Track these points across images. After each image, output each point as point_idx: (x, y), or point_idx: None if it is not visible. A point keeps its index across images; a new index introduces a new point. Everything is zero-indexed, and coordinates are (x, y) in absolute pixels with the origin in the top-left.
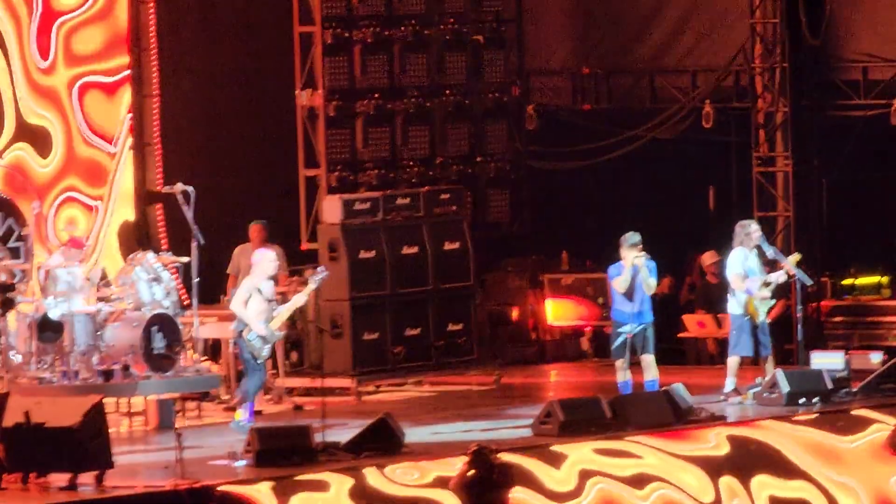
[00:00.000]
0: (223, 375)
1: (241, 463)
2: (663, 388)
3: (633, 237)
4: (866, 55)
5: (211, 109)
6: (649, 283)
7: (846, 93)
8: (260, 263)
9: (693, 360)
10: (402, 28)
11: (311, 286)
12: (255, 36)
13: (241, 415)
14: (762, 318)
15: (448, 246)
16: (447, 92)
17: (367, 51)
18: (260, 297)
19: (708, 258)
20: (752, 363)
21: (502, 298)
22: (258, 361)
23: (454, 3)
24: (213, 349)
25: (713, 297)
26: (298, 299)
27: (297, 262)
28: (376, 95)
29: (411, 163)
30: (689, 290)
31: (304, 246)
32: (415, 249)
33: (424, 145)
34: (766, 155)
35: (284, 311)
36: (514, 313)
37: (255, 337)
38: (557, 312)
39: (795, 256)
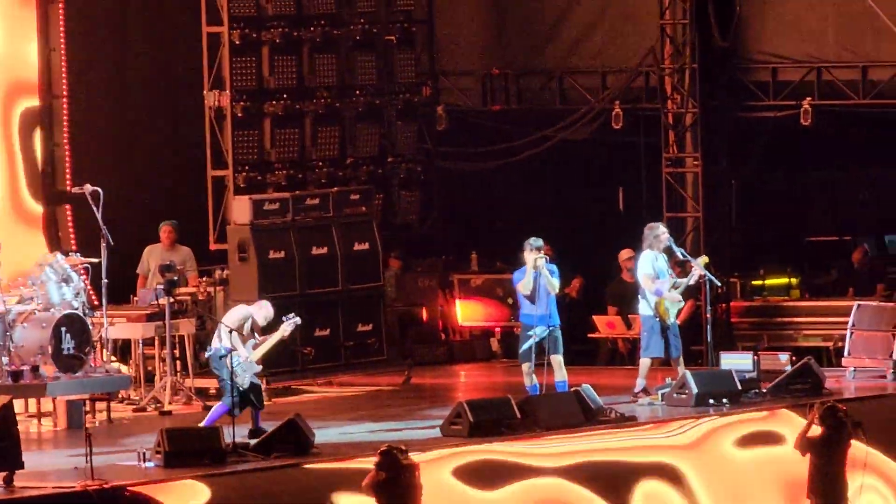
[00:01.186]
0: (133, 376)
1: (151, 464)
2: (573, 389)
3: (535, 241)
4: (775, 56)
5: (120, 109)
6: (552, 283)
7: (755, 94)
8: (262, 309)
9: (604, 360)
10: (312, 28)
11: (286, 329)
12: (164, 36)
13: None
14: (672, 319)
15: (358, 247)
16: (357, 92)
17: (275, 51)
18: (248, 327)
19: (624, 254)
20: (663, 364)
21: (412, 299)
22: (239, 388)
23: (365, 3)
24: (122, 350)
25: (626, 294)
26: (273, 338)
27: (205, 263)
28: (285, 96)
29: (321, 163)
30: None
31: (213, 246)
32: (324, 250)
33: (334, 146)
34: (675, 156)
35: (266, 346)
36: (424, 314)
37: (238, 363)
38: (467, 313)
39: (704, 258)
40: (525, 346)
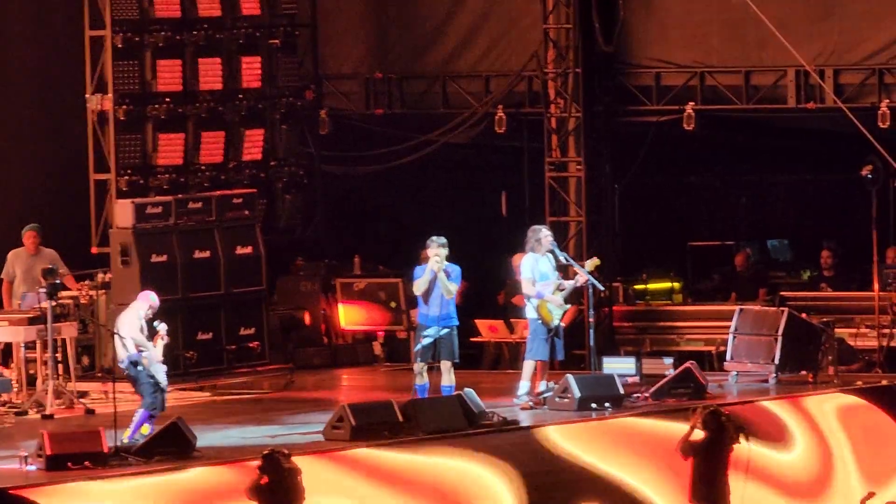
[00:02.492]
0: (14, 380)
1: (33, 467)
2: (455, 393)
3: (439, 239)
4: (659, 61)
5: (1, 112)
6: (448, 288)
7: (639, 98)
8: (145, 300)
9: (488, 364)
10: (195, 32)
11: (163, 331)
12: (46, 39)
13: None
14: (556, 322)
15: (240, 250)
16: (240, 96)
17: (158, 55)
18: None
19: (518, 258)
20: (552, 367)
21: (294, 303)
22: (161, 385)
23: (249, 7)
24: (4, 353)
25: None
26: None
27: (87, 267)
28: (168, 100)
29: (203, 167)
30: (506, 294)
31: (95, 250)
32: (207, 254)
33: (217, 150)
34: (558, 160)
35: (160, 347)
36: (307, 318)
37: (152, 363)
38: (350, 317)
39: (595, 260)
40: (421, 345)
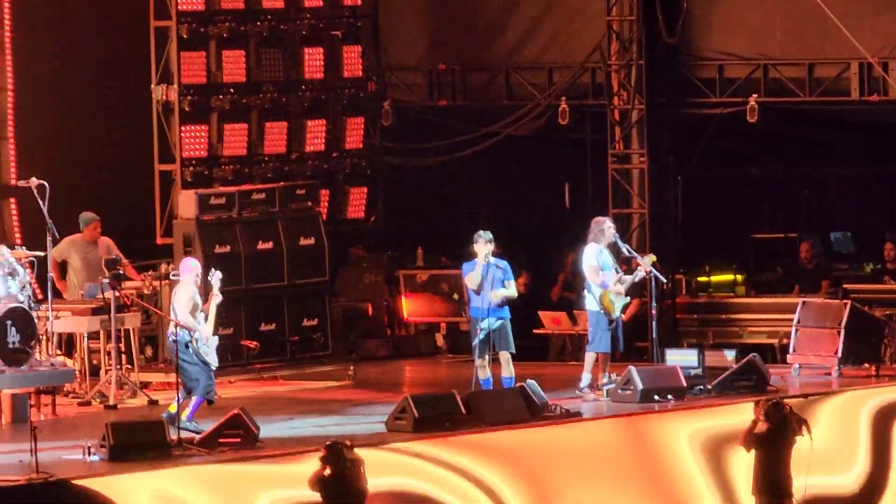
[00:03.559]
0: (78, 370)
1: (96, 458)
2: (518, 385)
3: (486, 233)
4: (722, 53)
5: (66, 104)
6: (510, 292)
7: (702, 90)
8: (190, 271)
9: (553, 356)
10: (259, 23)
11: (215, 285)
12: (111, 30)
13: (187, 413)
14: (617, 313)
15: (303, 241)
16: (303, 87)
17: (223, 46)
18: (197, 299)
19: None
20: (613, 359)
21: (357, 294)
22: (210, 366)
23: None
24: (67, 344)
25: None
26: (215, 301)
27: (152, 257)
28: (232, 90)
29: (267, 158)
30: (562, 286)
31: (160, 241)
32: (270, 245)
33: (280, 141)
34: (621, 152)
35: (212, 317)
36: (370, 309)
37: (202, 344)
38: (412, 308)
39: (651, 257)
40: (478, 339)
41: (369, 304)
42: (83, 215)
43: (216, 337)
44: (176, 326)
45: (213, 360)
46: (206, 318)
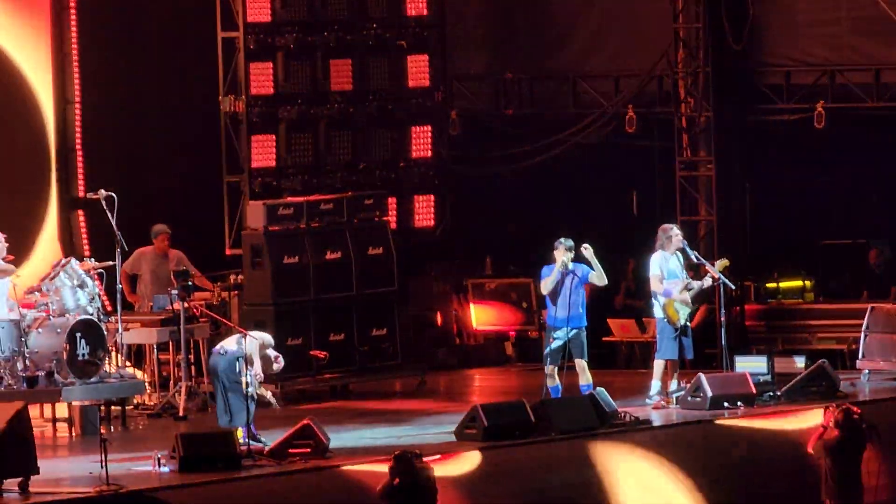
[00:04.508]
0: (147, 381)
1: (166, 469)
2: (588, 393)
3: (566, 241)
4: (789, 60)
5: (133, 115)
6: (601, 275)
7: (769, 97)
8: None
9: (622, 363)
10: (326, 34)
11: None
12: (179, 41)
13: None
14: (683, 321)
15: (372, 251)
16: (370, 97)
17: (290, 56)
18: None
19: None
20: (682, 366)
21: (426, 303)
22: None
23: (377, 8)
24: (136, 355)
25: None
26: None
27: (221, 268)
28: (299, 101)
29: (334, 168)
30: (625, 294)
31: (228, 251)
32: (338, 255)
33: (348, 151)
34: (688, 159)
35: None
36: (438, 318)
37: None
38: (481, 317)
39: (724, 262)
40: (551, 347)
41: (438, 314)
42: (154, 228)
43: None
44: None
45: (254, 394)
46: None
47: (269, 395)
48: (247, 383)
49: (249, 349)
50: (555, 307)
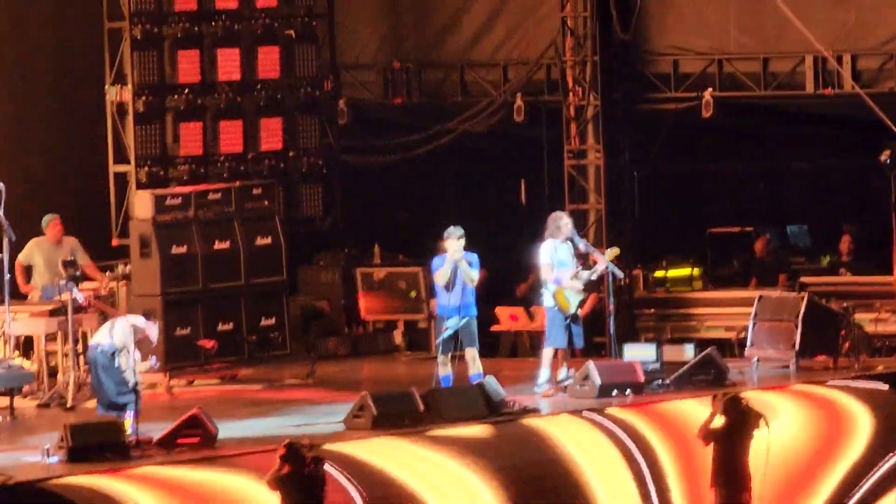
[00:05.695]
0: (36, 372)
1: (54, 459)
2: (476, 382)
3: (456, 230)
4: (676, 48)
5: (19, 105)
6: (471, 276)
7: (657, 86)
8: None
9: (508, 352)
10: (214, 23)
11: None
12: (64, 31)
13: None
14: (573, 309)
15: (260, 241)
16: (259, 87)
17: (177, 46)
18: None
19: None
20: (572, 355)
21: (315, 293)
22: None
23: None
24: (25, 345)
25: None
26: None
27: (107, 258)
28: (187, 91)
29: (223, 158)
30: (531, 286)
31: (115, 242)
32: (227, 245)
33: (236, 140)
34: (577, 148)
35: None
36: (327, 308)
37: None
38: (370, 306)
39: (613, 250)
40: (443, 337)
41: (327, 303)
42: (44, 218)
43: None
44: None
45: (131, 378)
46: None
47: (149, 362)
48: (127, 372)
49: (124, 337)
50: (447, 295)
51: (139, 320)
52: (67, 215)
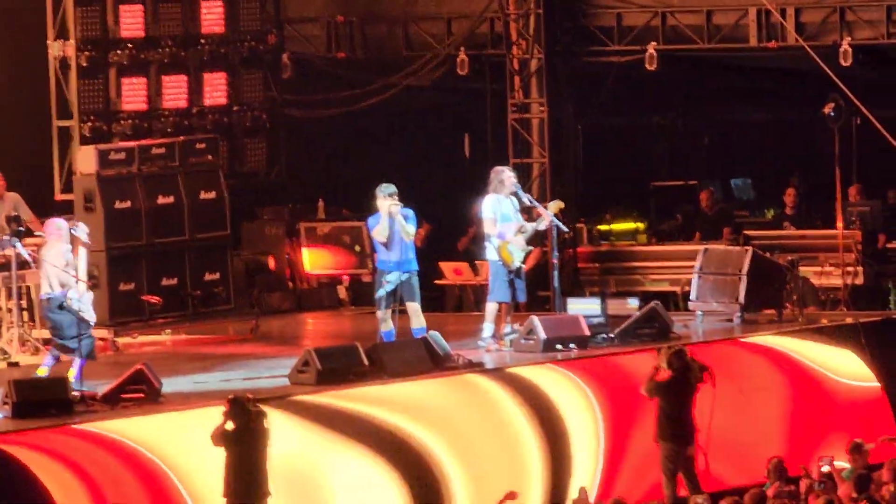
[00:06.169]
0: None
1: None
2: (420, 336)
3: (388, 187)
4: (619, 1)
5: None
6: (408, 230)
7: (600, 39)
8: (56, 231)
9: (453, 307)
10: None
11: (82, 238)
12: None
13: (74, 373)
14: (517, 264)
15: (204, 196)
16: (202, 41)
17: (119, 0)
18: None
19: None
20: (515, 309)
21: (259, 248)
22: (88, 324)
23: None
24: None
25: None
26: (83, 255)
27: (51, 213)
28: (130, 45)
29: (167, 113)
30: (471, 240)
31: (59, 196)
32: (170, 199)
33: (181, 95)
34: (521, 102)
35: (83, 271)
36: (271, 262)
37: (78, 301)
38: (314, 261)
39: (557, 204)
40: (380, 293)
41: (271, 258)
42: None
43: (90, 293)
44: (51, 286)
45: (91, 317)
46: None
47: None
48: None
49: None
50: (387, 251)
51: (54, 251)
52: (10, 171)
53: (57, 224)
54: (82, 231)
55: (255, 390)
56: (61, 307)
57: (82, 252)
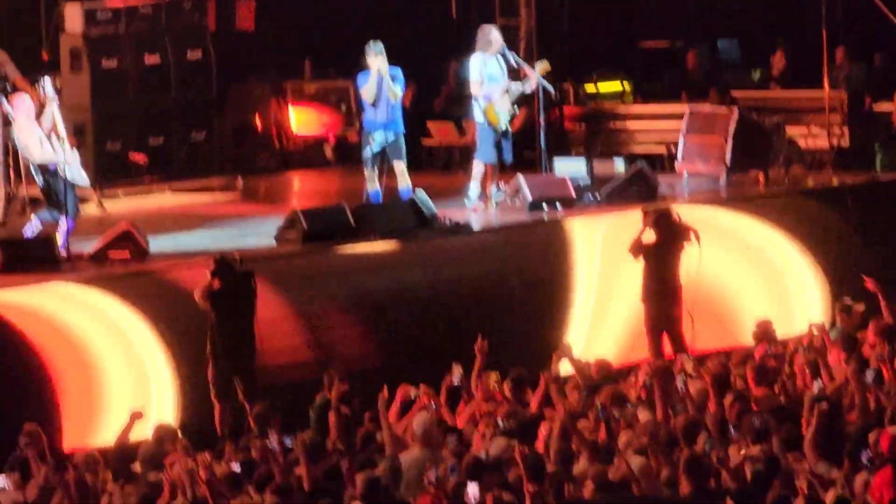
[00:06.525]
0: None
1: None
2: (407, 196)
3: (376, 45)
4: None
5: None
6: (395, 91)
7: None
8: (22, 105)
9: (441, 166)
10: None
11: (49, 92)
12: None
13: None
14: (503, 125)
15: (191, 55)
16: None
17: None
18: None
19: None
20: (501, 170)
21: (246, 107)
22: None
23: None
24: None
25: None
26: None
27: (37, 72)
28: None
29: None
30: (446, 99)
31: (45, 55)
32: (157, 59)
33: None
34: None
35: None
36: (258, 122)
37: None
38: (301, 120)
39: (545, 65)
40: (367, 152)
41: (258, 117)
42: None
43: (75, 152)
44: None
45: (83, 180)
46: (59, 138)
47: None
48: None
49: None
50: (374, 110)
51: (27, 132)
52: None
53: (20, 99)
54: (48, 83)
55: (242, 250)
56: (49, 171)
57: (53, 106)
